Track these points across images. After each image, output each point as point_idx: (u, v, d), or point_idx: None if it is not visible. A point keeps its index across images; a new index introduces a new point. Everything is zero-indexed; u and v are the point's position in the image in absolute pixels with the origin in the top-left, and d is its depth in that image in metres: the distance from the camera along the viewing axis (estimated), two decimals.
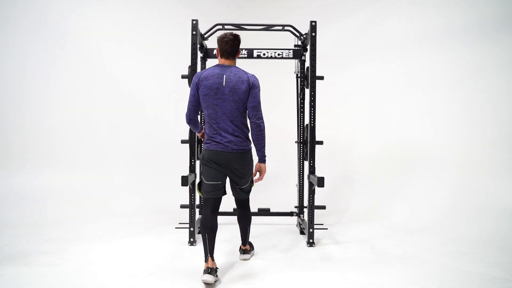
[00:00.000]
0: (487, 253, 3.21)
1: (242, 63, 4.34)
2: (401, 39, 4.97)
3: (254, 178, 2.89)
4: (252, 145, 2.79)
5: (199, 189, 2.81)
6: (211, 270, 2.55)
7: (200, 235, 3.64)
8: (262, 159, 2.81)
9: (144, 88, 5.54)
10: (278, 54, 3.94)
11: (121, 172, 5.26)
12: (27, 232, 3.74)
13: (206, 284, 2.51)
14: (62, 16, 5.15)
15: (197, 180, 3.00)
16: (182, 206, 3.99)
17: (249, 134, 2.79)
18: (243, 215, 3.00)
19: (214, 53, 3.95)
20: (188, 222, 3.46)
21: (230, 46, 2.75)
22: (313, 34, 3.48)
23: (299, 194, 4.18)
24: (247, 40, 5.14)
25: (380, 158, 4.99)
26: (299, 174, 4.19)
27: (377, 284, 2.56)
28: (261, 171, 2.83)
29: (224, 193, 2.79)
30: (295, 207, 4.21)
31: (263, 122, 2.75)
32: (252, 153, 2.82)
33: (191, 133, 3.55)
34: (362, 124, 5.27)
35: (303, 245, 3.44)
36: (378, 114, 5.14)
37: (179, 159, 4.55)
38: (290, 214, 4.20)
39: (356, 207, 4.75)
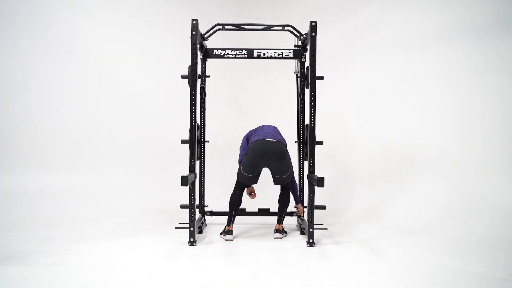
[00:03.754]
0: (487, 253, 3.21)
1: (242, 63, 4.38)
2: (401, 39, 4.97)
3: None
4: None
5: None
6: (231, 232, 3.60)
7: (200, 235, 3.67)
8: None
9: (144, 88, 5.55)
10: (278, 54, 3.94)
11: (121, 172, 5.27)
12: (27, 232, 3.74)
13: (229, 241, 3.52)
14: (64, 18, 5.15)
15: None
16: (182, 206, 3.99)
17: None
18: (283, 195, 3.75)
19: (214, 53, 3.97)
20: (188, 222, 3.46)
21: None
22: (313, 34, 3.48)
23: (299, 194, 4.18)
24: (247, 40, 5.17)
25: (380, 158, 4.99)
26: (299, 174, 4.19)
27: (377, 284, 2.56)
28: None
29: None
30: (295, 207, 4.21)
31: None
32: None
33: (191, 133, 3.55)
34: (362, 124, 5.27)
35: (303, 245, 3.44)
36: (378, 114, 5.14)
37: (179, 159, 4.56)
38: (290, 214, 4.20)
39: (356, 207, 4.75)
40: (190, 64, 3.50)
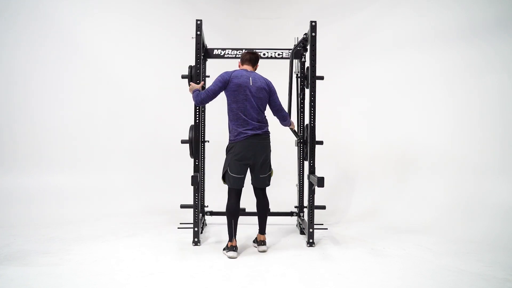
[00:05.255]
0: (487, 253, 3.21)
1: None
2: (401, 39, 4.97)
3: None
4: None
5: (224, 180, 3.24)
6: (235, 248, 3.11)
7: (200, 236, 3.67)
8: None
9: (145, 88, 5.55)
10: (278, 54, 3.95)
11: (122, 172, 5.26)
12: (27, 232, 3.74)
13: (232, 258, 3.06)
14: (65, 19, 5.16)
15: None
16: (182, 206, 4.00)
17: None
18: (263, 202, 3.30)
19: (214, 53, 3.98)
20: (192, 222, 3.45)
21: (250, 56, 3.28)
22: (313, 34, 3.47)
23: (299, 194, 4.18)
24: (247, 40, 5.17)
25: (380, 158, 4.99)
26: (299, 174, 4.19)
27: (377, 284, 2.56)
28: None
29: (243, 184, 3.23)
30: (295, 207, 4.21)
31: (285, 116, 3.42)
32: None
33: (194, 132, 3.53)
34: (362, 124, 5.27)
35: (303, 245, 3.44)
36: (377, 114, 5.14)
37: (179, 159, 4.56)
38: (290, 214, 4.20)
39: (356, 207, 4.75)
40: (193, 64, 3.49)
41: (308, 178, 3.55)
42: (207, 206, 4.19)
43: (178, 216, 4.23)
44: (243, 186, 3.22)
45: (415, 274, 2.74)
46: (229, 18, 6.03)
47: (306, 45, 3.76)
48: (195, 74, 3.49)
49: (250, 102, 3.12)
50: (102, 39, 5.35)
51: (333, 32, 5.53)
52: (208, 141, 4.10)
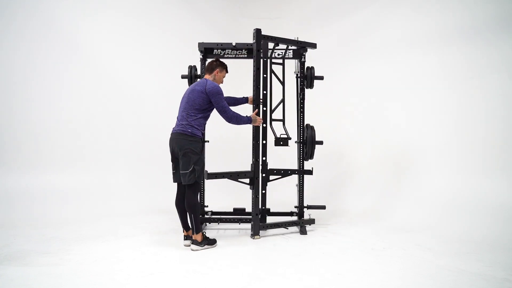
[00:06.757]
0: (487, 253, 3.21)
1: (243, 63, 4.38)
2: (400, 40, 4.97)
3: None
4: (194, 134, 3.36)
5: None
6: (185, 237, 3.38)
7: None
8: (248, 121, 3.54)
9: (145, 88, 5.55)
10: (278, 54, 3.94)
11: (121, 172, 5.26)
12: (27, 232, 3.74)
13: (186, 246, 3.34)
14: (65, 18, 5.15)
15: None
16: None
17: (194, 126, 3.34)
18: (185, 199, 3.31)
19: (214, 53, 3.98)
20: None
21: (206, 66, 3.54)
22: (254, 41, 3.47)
23: (299, 194, 4.18)
24: (247, 40, 5.16)
25: (380, 158, 4.99)
26: (299, 174, 4.19)
27: (377, 284, 2.56)
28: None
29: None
30: (295, 207, 4.21)
31: (228, 116, 3.42)
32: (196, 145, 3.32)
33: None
34: (362, 125, 5.27)
35: (303, 245, 3.44)
36: (377, 115, 5.14)
37: None
38: (290, 214, 4.20)
39: (356, 207, 4.75)
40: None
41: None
42: (207, 206, 4.19)
43: (177, 216, 4.21)
44: (178, 182, 3.41)
45: (415, 274, 2.74)
46: (229, 18, 6.04)
47: (305, 46, 3.76)
48: (190, 74, 3.49)
49: (181, 104, 3.43)
50: (102, 39, 5.36)
51: (333, 32, 5.53)
52: (208, 141, 4.10)
